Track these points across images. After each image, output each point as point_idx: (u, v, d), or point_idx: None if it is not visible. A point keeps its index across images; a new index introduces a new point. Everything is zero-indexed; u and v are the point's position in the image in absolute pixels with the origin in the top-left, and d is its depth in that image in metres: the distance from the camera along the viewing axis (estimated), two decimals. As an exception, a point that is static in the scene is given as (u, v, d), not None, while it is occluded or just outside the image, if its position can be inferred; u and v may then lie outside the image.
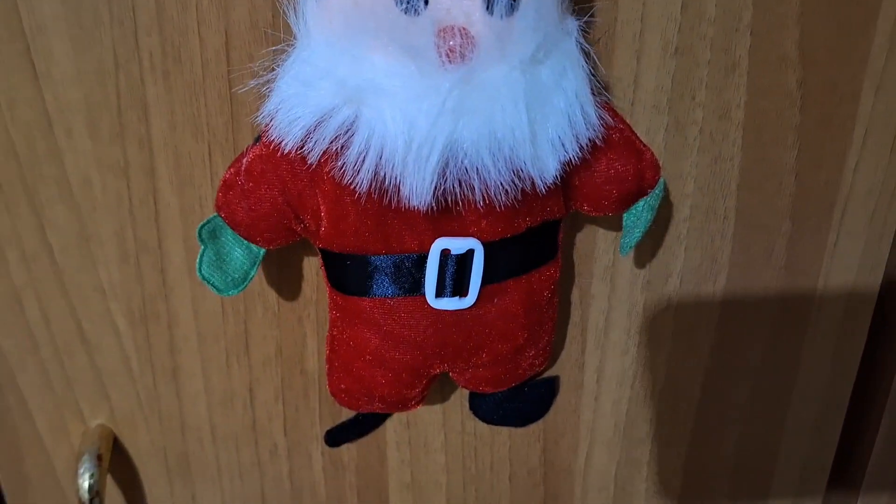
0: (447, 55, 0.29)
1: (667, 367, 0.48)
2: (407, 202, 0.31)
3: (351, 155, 0.30)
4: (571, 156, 0.32)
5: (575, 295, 0.45)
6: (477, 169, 0.30)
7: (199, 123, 0.38)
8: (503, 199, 0.31)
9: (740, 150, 0.42)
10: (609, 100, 0.36)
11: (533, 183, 0.31)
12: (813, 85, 0.41)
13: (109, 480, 0.46)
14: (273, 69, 0.32)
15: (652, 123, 0.40)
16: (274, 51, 0.32)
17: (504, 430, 0.49)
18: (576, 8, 0.34)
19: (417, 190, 0.30)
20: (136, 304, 0.42)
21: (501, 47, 0.29)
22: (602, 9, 0.37)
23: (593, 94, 0.33)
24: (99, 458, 0.44)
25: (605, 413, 0.49)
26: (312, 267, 0.42)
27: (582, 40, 0.32)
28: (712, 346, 0.48)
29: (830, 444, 0.52)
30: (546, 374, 0.47)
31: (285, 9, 0.32)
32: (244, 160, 0.35)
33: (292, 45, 0.32)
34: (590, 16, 0.34)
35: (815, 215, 0.44)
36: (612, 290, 0.45)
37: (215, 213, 0.36)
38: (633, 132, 0.36)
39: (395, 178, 0.30)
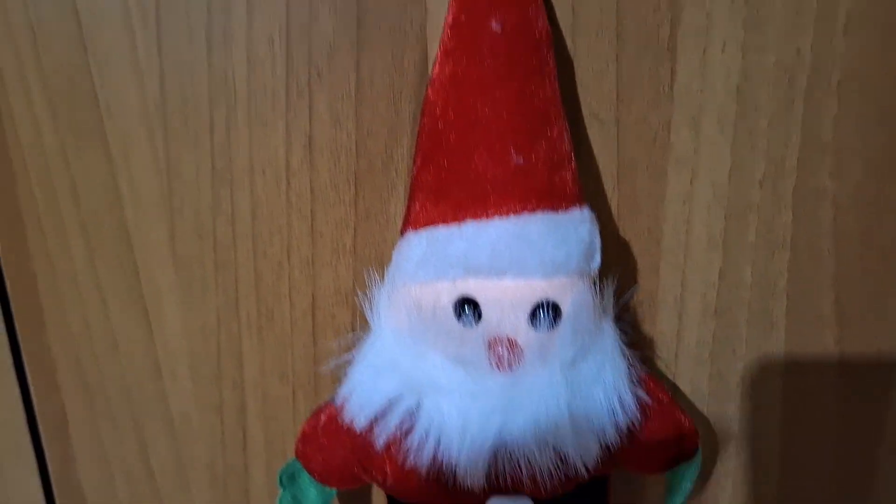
0: (497, 363, 0.33)
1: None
2: (464, 481, 0.34)
3: (413, 439, 0.34)
4: (611, 441, 0.35)
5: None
6: (525, 456, 0.34)
7: (286, 370, 0.43)
8: (549, 482, 0.34)
9: (781, 399, 0.44)
10: (650, 373, 0.39)
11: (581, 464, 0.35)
12: (851, 341, 0.43)
13: None
14: (349, 348, 0.37)
15: (695, 374, 0.43)
16: (351, 337, 0.37)
17: None
18: (615, 285, 0.38)
19: (471, 473, 0.34)
20: (221, 520, 0.46)
21: (544, 356, 0.33)
22: (645, 276, 0.41)
23: (634, 367, 0.37)
24: None
25: None
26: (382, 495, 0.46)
27: (618, 338, 0.35)
28: (765, 574, 0.49)
29: None
30: None
31: (362, 303, 0.37)
32: (322, 416, 0.39)
33: (367, 333, 0.37)
34: (628, 298, 0.39)
35: (860, 458, 0.46)
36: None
37: (294, 458, 0.40)
38: (672, 403, 0.39)
39: (451, 464, 0.34)
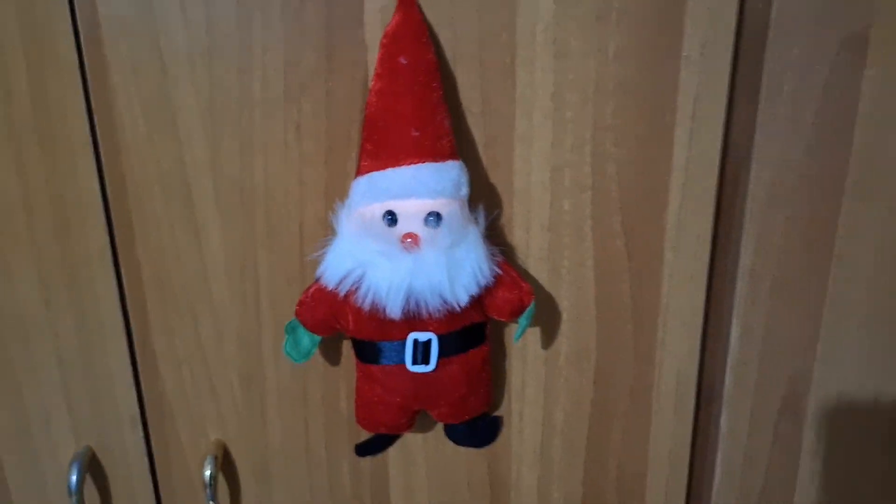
0: (406, 248, 0.60)
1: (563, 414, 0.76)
2: (390, 315, 0.62)
3: (360, 294, 0.61)
4: (476, 292, 0.62)
5: (504, 364, 0.74)
6: (424, 300, 0.61)
7: (292, 268, 0.69)
8: (439, 314, 0.62)
9: (593, 280, 0.71)
10: (505, 259, 0.66)
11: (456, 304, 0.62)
12: (637, 252, 0.70)
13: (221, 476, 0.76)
14: (325, 246, 0.64)
15: (539, 269, 0.70)
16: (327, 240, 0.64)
17: (466, 450, 0.74)
18: (483, 211, 0.65)
19: (393, 311, 0.61)
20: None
21: (433, 244, 0.60)
22: (505, 205, 0.68)
23: (493, 254, 0.64)
24: (215, 458, 0.74)
25: (526, 443, 0.77)
26: (346, 346, 0.72)
27: (480, 236, 0.62)
28: (591, 400, 0.76)
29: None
30: (494, 414, 0.76)
31: (332, 217, 0.64)
32: (311, 289, 0.66)
33: (335, 235, 0.63)
34: (493, 219, 0.66)
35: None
36: (523, 364, 0.74)
37: (294, 318, 0.67)
38: (517, 274, 0.66)
39: (382, 305, 0.61)
